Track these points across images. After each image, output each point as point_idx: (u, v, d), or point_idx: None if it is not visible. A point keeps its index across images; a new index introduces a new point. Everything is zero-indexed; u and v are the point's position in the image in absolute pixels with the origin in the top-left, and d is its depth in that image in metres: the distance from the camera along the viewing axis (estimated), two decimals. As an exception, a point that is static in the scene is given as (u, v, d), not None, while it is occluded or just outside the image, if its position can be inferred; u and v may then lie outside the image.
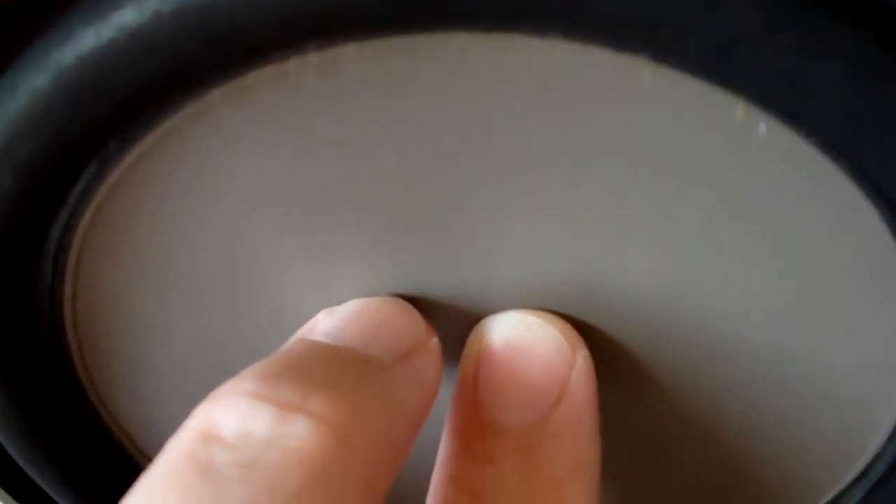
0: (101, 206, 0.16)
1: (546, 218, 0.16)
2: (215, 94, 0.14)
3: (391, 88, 0.14)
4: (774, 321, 0.16)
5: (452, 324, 0.18)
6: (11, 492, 0.19)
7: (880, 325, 0.16)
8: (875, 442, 0.17)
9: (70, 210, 0.15)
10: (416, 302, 0.17)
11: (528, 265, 0.17)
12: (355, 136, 0.15)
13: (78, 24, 0.13)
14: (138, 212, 0.16)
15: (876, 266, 0.15)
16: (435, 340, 0.17)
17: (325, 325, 0.17)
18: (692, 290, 0.16)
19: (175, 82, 0.13)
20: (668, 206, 0.15)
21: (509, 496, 0.16)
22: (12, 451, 0.18)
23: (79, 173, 0.15)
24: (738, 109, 0.13)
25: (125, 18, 0.13)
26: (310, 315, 0.17)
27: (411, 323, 0.17)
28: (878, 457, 0.17)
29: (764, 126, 0.13)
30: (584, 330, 0.17)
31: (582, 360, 0.17)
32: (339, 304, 0.17)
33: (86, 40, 0.13)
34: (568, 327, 0.17)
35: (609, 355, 0.17)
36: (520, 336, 0.17)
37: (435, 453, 0.17)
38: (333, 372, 0.15)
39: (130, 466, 0.19)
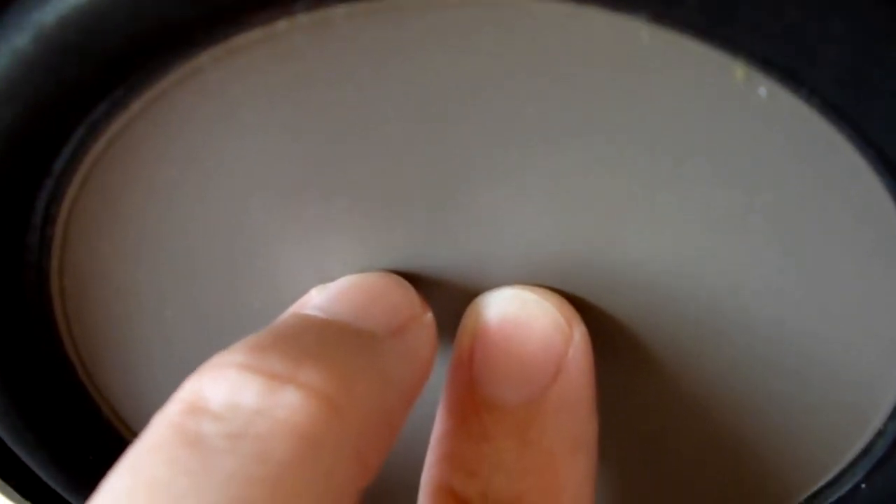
0: (87, 177, 0.15)
1: (542, 190, 0.16)
2: (203, 58, 0.14)
3: (383, 52, 0.14)
4: (774, 295, 0.16)
5: (448, 300, 0.17)
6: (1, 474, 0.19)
7: (882, 299, 0.15)
8: (876, 420, 0.17)
9: (55, 180, 0.15)
10: (411, 278, 0.17)
11: (524, 240, 0.16)
12: (347, 104, 0.15)
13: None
14: (126, 182, 0.15)
15: (878, 236, 0.15)
16: (429, 315, 0.17)
17: (317, 299, 0.16)
18: (690, 264, 0.16)
19: (159, 43, 0.13)
20: (666, 175, 0.15)
21: (505, 473, 0.16)
22: (0, 432, 0.18)
23: (63, 140, 0.14)
24: (737, 72, 0.13)
25: (107, -24, 0.13)
26: (303, 292, 0.17)
27: (405, 297, 0.17)
28: (879, 435, 0.17)
29: (764, 90, 0.13)
30: (582, 306, 0.17)
31: (579, 337, 0.17)
32: (333, 280, 0.17)
33: None
34: (565, 303, 0.17)
35: (606, 331, 0.17)
36: (516, 312, 0.17)
37: (429, 434, 0.17)
38: (325, 344, 0.14)
39: (121, 446, 0.19)
